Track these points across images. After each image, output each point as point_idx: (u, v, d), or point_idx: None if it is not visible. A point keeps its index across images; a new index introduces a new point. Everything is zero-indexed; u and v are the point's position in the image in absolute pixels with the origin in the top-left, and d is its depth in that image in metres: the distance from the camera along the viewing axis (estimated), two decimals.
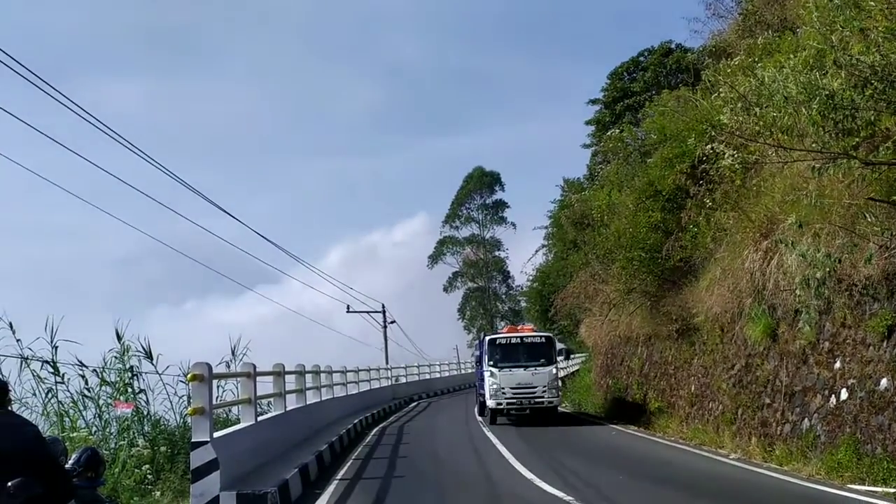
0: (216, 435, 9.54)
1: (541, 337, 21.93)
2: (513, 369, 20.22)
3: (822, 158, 9.73)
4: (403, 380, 37.83)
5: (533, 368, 20.26)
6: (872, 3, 8.93)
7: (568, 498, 9.24)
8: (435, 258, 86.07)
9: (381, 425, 22.03)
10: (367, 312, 42.28)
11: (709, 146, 17.74)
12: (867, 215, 9.97)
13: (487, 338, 21.92)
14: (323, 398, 19.41)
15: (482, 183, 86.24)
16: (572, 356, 39.19)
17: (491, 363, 20.45)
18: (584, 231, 31.45)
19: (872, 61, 8.60)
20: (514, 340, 21.33)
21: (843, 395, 11.48)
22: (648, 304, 20.21)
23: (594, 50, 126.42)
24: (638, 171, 22.62)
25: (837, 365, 11.85)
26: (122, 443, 13.73)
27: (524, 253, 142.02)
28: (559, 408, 22.47)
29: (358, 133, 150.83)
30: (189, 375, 9.32)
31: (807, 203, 12.11)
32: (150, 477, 12.61)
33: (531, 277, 42.16)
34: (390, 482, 11.51)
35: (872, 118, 9.33)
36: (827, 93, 9.21)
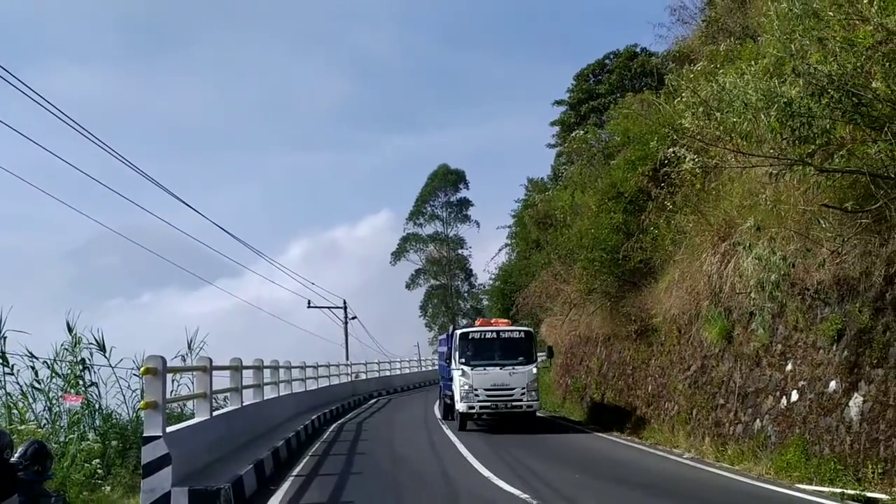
0: (169, 430, 9.37)
1: (520, 332, 19.22)
2: (487, 368, 17.94)
3: (779, 165, 9.91)
4: (363, 376, 37.68)
5: (511, 367, 17.96)
6: (831, 13, 9.11)
7: (525, 496, 9.27)
8: (398, 255, 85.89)
9: (339, 421, 21.91)
10: (329, 308, 42.04)
11: (671, 149, 17.98)
12: (821, 221, 10.20)
13: (458, 332, 19.37)
14: (281, 394, 19.23)
15: (447, 181, 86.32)
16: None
17: (462, 360, 18.07)
18: (546, 231, 31.66)
19: (830, 70, 8.77)
20: (489, 335, 18.75)
21: (794, 396, 11.73)
22: (608, 304, 20.41)
23: (563, 50, 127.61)
24: (601, 173, 22.84)
25: (789, 367, 12.10)
26: (71, 436, 13.44)
27: (487, 252, 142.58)
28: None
29: (323, 128, 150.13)
30: (142, 369, 9.13)
31: (763, 208, 12.37)
32: (100, 472, 12.35)
33: (494, 276, 42.40)
34: (347, 479, 11.43)
35: (828, 126, 9.52)
36: (785, 100, 9.37)
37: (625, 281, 19.62)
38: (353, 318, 43.84)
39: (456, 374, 18.37)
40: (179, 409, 16.13)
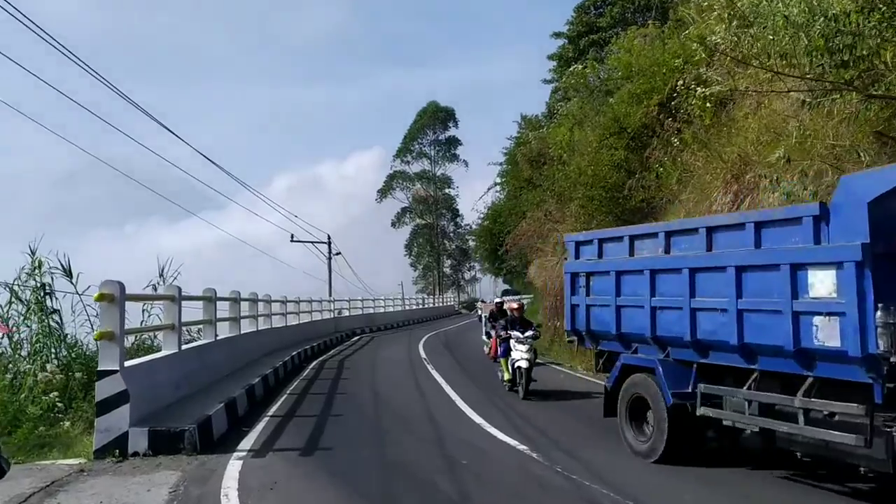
0: (129, 364, 8.43)
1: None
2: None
3: (818, 90, 8.86)
4: (346, 313, 36.89)
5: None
6: None
7: (522, 447, 8.44)
8: (384, 192, 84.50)
9: (320, 359, 21.11)
10: (312, 243, 40.99)
11: (680, 81, 16.90)
12: (861, 153, 9.16)
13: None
14: (260, 328, 18.33)
15: (436, 118, 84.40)
16: (512, 298, 38.87)
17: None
18: (540, 169, 30.54)
19: None
20: None
21: None
22: None
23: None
24: (602, 108, 21.65)
25: None
26: (29, 367, 12.50)
27: (474, 192, 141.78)
28: None
29: (314, 59, 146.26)
30: (96, 294, 8.11)
31: (786, 143, 11.35)
32: (59, 405, 11.44)
33: (482, 215, 41.33)
34: (326, 421, 10.58)
35: (875, 47, 8.44)
36: (831, 14, 8.27)
37: (624, 221, 18.62)
38: (338, 253, 42.93)
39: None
40: (151, 341, 15.18)
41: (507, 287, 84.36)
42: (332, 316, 33.18)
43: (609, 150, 18.71)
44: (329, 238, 42.50)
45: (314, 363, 19.61)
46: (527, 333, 13.39)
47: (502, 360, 14.27)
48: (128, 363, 8.40)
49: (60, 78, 14.94)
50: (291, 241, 39.27)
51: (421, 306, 57.48)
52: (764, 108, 13.60)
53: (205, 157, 20.49)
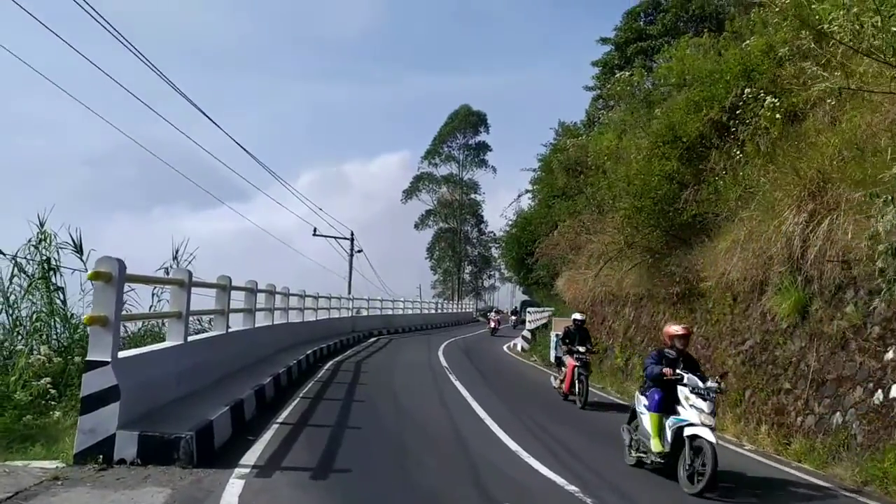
0: (123, 355, 7.28)
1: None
2: None
3: None
4: (365, 312, 35.76)
5: None
6: None
7: (570, 488, 7.19)
8: (410, 193, 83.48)
9: (336, 359, 19.97)
10: (335, 238, 39.92)
11: (747, 89, 15.60)
12: None
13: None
14: (275, 322, 17.23)
15: (467, 122, 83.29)
16: (535, 309, 37.41)
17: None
18: (576, 179, 29.29)
19: None
20: None
21: (894, 391, 9.59)
22: (649, 260, 18.18)
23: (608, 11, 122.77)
24: (655, 115, 20.34)
25: (890, 355, 9.92)
26: (23, 347, 11.47)
27: (499, 200, 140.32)
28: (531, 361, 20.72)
29: (348, 59, 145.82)
30: (90, 272, 6.97)
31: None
32: (52, 391, 10.36)
33: (511, 222, 40.01)
34: (342, 433, 9.40)
35: None
36: None
37: (673, 236, 17.35)
38: (360, 251, 41.82)
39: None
40: (158, 329, 14.09)
41: (525, 298, 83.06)
42: (349, 315, 32.06)
43: (660, 160, 17.39)
44: (352, 234, 41.50)
45: (330, 363, 18.47)
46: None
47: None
48: (122, 354, 7.26)
49: (98, 57, 14.32)
50: (314, 234, 38.31)
51: (440, 311, 56.24)
52: (846, 122, 12.28)
53: (238, 144, 19.82)
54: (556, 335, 18.30)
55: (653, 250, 17.91)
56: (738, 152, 15.37)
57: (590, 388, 14.72)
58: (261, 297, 15.73)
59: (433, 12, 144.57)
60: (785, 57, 15.82)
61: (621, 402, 15.03)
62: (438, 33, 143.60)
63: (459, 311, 64.74)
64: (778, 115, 14.39)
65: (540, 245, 30.71)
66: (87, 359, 6.80)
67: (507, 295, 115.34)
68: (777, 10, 15.74)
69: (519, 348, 30.94)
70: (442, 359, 22.76)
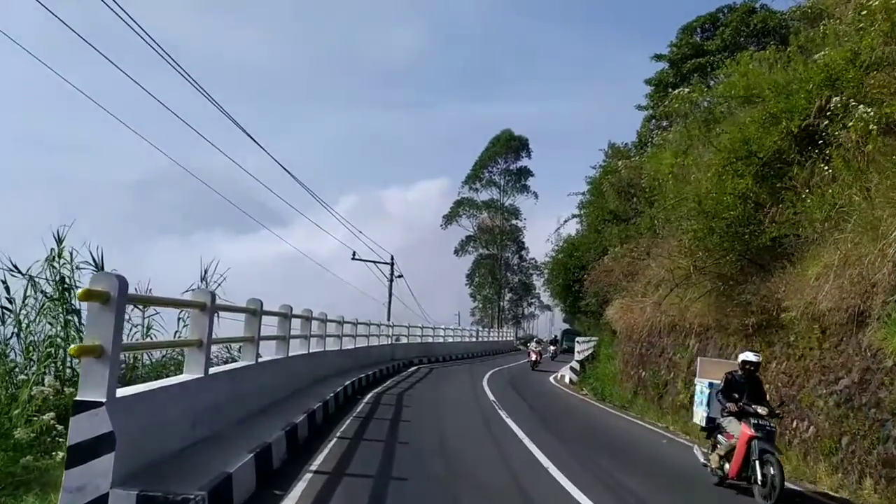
0: (123, 393, 6.00)
1: None
2: None
3: None
4: (404, 339, 34.42)
5: None
6: None
7: None
8: (450, 219, 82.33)
9: (376, 390, 18.61)
10: (375, 262, 38.72)
11: (834, 98, 14.06)
12: None
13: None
14: (311, 350, 15.95)
15: (509, 147, 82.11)
16: (583, 339, 35.62)
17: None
18: (628, 201, 27.76)
19: None
20: None
21: None
22: (720, 288, 16.50)
23: (643, 31, 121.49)
24: (717, 132, 18.78)
25: None
26: (26, 377, 10.32)
27: (538, 228, 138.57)
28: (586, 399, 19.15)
29: (391, 86, 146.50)
30: (81, 291, 5.71)
31: None
32: (58, 428, 9.14)
33: (557, 247, 38.40)
34: (387, 486, 7.97)
35: None
36: None
37: (749, 261, 15.70)
38: (400, 276, 40.56)
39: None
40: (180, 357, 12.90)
41: (567, 327, 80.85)
42: (388, 342, 30.75)
43: (733, 178, 15.80)
44: (392, 258, 40.28)
45: (369, 395, 17.12)
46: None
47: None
48: (122, 391, 5.97)
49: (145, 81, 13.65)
50: (353, 258, 37.16)
51: (481, 339, 54.61)
52: None
53: (285, 169, 19.19)
54: (709, 384, 12.52)
55: (725, 277, 16.23)
56: (825, 167, 13.78)
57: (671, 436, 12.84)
58: (296, 322, 14.50)
59: (475, 38, 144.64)
60: (873, 64, 14.26)
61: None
62: (476, 61, 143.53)
63: (499, 339, 63.01)
64: (873, 127, 12.80)
65: (590, 271, 29.13)
66: (77, 398, 5.51)
67: (545, 323, 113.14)
68: (863, 13, 14.30)
69: (567, 380, 29.25)
70: (488, 391, 21.28)
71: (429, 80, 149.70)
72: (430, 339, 39.03)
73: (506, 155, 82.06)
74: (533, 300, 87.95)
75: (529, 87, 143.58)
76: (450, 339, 43.67)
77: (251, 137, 16.21)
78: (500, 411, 16.22)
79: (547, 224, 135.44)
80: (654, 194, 21.89)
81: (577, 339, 37.92)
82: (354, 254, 36.86)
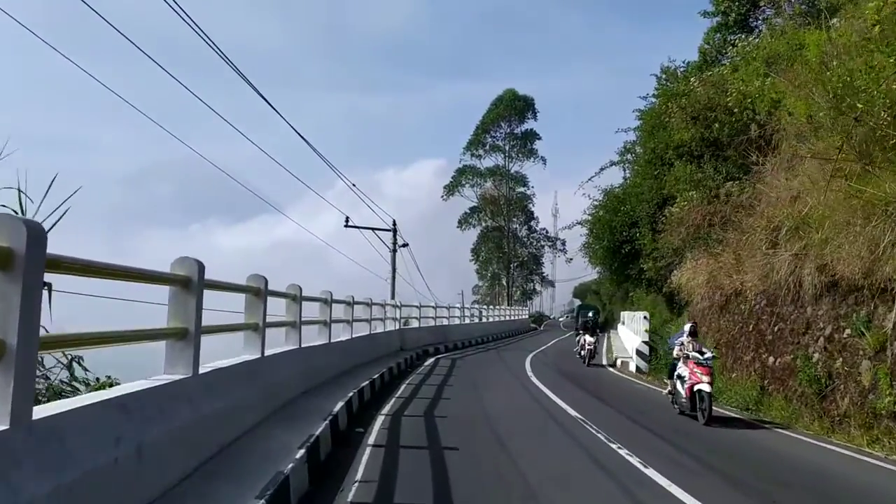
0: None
1: None
2: None
3: None
4: (415, 323, 27.50)
5: None
6: None
7: None
8: (451, 189, 74.83)
9: (387, 407, 11.78)
10: (374, 229, 31.41)
11: None
12: None
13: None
14: (307, 345, 9.11)
15: (513, 108, 74.45)
16: (629, 314, 28.88)
17: None
18: (709, 128, 20.90)
19: None
20: None
21: None
22: None
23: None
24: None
25: None
26: None
27: (550, 196, 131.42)
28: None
29: (382, 68, 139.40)
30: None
31: None
32: None
33: (597, 202, 31.29)
34: None
35: None
36: None
37: None
38: (405, 245, 33.38)
39: None
40: None
41: (579, 302, 73.78)
42: (395, 327, 23.78)
43: None
44: (394, 223, 32.89)
45: (376, 426, 10.18)
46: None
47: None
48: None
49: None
50: (346, 225, 29.94)
51: (497, 318, 47.66)
52: None
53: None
54: None
55: None
56: None
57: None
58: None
59: (470, 15, 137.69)
60: None
61: None
62: (472, 40, 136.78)
63: (516, 318, 56.12)
64: None
65: (659, 226, 22.35)
66: None
67: (547, 300, 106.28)
68: None
69: (633, 368, 22.51)
70: (554, 397, 14.50)
71: (417, 61, 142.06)
72: (445, 321, 32.12)
73: (510, 117, 74.64)
74: (534, 277, 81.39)
75: (524, 64, 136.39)
76: (467, 321, 36.82)
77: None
78: (611, 444, 9.36)
79: (562, 188, 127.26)
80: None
81: (623, 313, 31.10)
82: (348, 220, 29.67)
